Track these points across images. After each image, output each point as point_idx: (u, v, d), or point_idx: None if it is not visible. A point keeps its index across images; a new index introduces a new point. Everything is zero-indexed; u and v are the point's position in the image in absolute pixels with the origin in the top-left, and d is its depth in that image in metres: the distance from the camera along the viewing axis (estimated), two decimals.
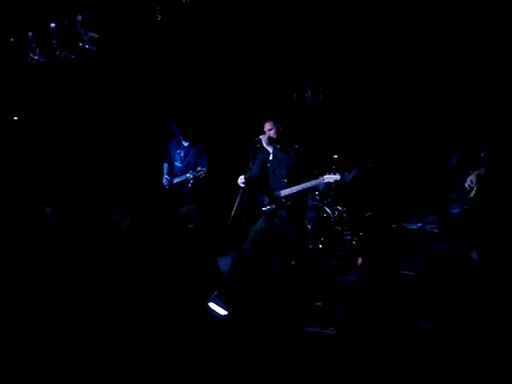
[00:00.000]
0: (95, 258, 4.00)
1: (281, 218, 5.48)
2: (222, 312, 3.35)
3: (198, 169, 6.60)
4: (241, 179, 5.51)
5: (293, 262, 5.47)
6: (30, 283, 3.79)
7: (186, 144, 6.88)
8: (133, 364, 3.21)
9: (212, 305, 3.43)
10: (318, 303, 4.71)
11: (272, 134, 5.52)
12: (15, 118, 8.03)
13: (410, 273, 5.91)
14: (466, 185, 5.20)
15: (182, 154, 6.88)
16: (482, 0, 6.26)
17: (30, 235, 4.35)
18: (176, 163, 6.91)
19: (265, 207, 5.60)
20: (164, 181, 6.91)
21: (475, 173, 5.13)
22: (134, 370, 3.19)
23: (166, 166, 7.02)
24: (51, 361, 3.22)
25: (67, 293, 3.68)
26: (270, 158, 5.59)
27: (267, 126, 5.55)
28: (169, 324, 3.28)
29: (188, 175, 6.65)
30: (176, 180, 6.82)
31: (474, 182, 5.03)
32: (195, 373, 3.11)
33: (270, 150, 5.53)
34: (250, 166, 5.52)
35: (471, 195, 5.09)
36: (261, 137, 5.49)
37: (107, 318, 3.47)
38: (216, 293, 3.47)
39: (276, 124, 5.55)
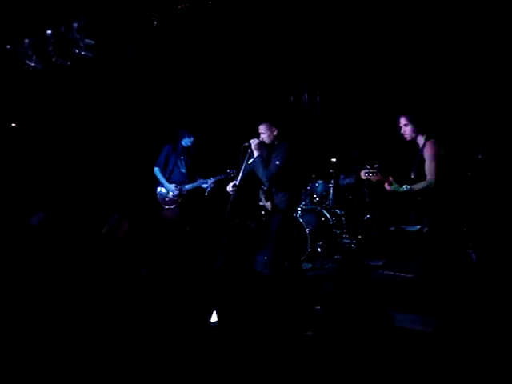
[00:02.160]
0: (92, 264, 4.00)
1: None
2: (213, 319, 3.34)
3: (228, 171, 6.37)
4: (230, 187, 5.40)
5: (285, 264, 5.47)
6: (24, 287, 3.79)
7: (192, 150, 6.74)
8: (132, 370, 3.20)
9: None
10: (317, 307, 4.71)
11: (265, 138, 5.33)
12: (13, 125, 8.04)
13: (409, 275, 5.94)
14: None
15: (187, 160, 6.72)
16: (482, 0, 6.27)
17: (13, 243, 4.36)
18: (181, 170, 6.71)
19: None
20: (174, 190, 6.65)
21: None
22: (133, 375, 3.18)
23: (158, 170, 6.72)
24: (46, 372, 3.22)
25: (63, 298, 3.68)
26: (249, 162, 5.38)
27: (261, 128, 5.36)
28: (168, 330, 3.27)
29: (209, 182, 6.49)
30: (187, 187, 6.67)
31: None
32: (193, 377, 3.11)
33: (255, 154, 5.33)
34: (241, 172, 5.37)
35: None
36: (251, 141, 5.31)
37: (105, 324, 3.46)
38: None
39: (270, 127, 5.33)
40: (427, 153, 4.65)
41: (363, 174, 4.75)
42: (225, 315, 3.24)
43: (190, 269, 4.02)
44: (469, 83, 6.76)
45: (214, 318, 3.44)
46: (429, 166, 4.62)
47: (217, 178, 6.53)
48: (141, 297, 3.58)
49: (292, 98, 8.52)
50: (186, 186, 6.68)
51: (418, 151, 4.79)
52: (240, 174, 5.37)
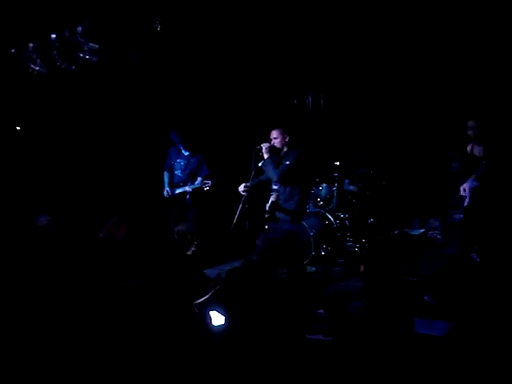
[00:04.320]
0: (89, 266, 4.00)
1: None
2: (220, 320, 3.34)
3: (204, 181, 6.55)
4: (241, 187, 5.48)
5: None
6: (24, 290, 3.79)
7: (186, 153, 6.84)
8: (125, 374, 3.19)
9: (212, 313, 3.42)
10: (321, 310, 4.69)
11: (277, 143, 5.50)
12: (18, 128, 8.06)
13: (413, 279, 5.91)
14: (461, 191, 5.11)
15: (182, 164, 6.81)
16: (483, 1, 6.27)
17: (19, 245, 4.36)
18: (176, 172, 6.85)
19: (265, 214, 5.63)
20: (165, 193, 6.85)
21: (469, 179, 5.03)
22: (127, 379, 3.17)
23: (166, 174, 6.95)
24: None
25: (58, 300, 3.68)
26: (260, 164, 5.55)
27: (273, 133, 5.53)
28: (162, 335, 3.27)
29: (187, 188, 6.62)
30: (178, 191, 6.77)
31: (468, 188, 4.93)
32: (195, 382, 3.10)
33: (265, 156, 5.49)
34: (252, 174, 5.48)
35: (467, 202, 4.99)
36: (262, 145, 5.46)
37: (100, 326, 3.46)
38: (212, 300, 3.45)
39: (283, 133, 5.51)
40: None
41: None
42: (235, 317, 3.24)
43: (186, 271, 4.01)
44: (469, 87, 6.76)
45: (217, 320, 3.43)
46: None
47: (192, 186, 6.63)
48: (134, 303, 3.58)
49: (296, 101, 8.53)
50: (177, 191, 6.78)
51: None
52: (251, 176, 5.46)
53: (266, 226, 5.51)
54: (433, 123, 7.48)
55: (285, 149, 5.54)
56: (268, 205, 5.59)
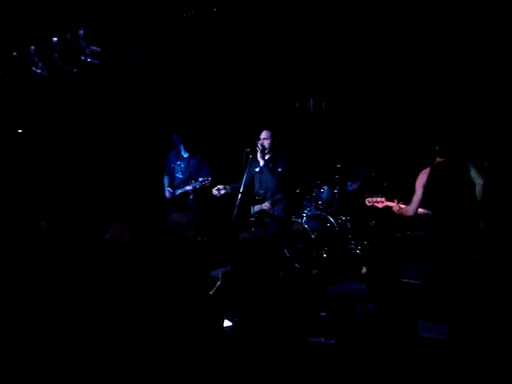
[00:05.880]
0: (95, 272, 3.98)
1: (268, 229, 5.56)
2: (227, 323, 3.34)
3: (201, 179, 6.57)
4: (214, 190, 5.62)
5: (280, 273, 5.51)
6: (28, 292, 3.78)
7: (185, 155, 6.83)
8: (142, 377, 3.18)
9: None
10: (323, 313, 4.69)
11: (266, 144, 5.53)
12: (19, 131, 8.08)
13: (415, 281, 5.90)
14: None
15: (182, 166, 6.81)
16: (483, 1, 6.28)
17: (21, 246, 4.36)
18: (177, 175, 6.84)
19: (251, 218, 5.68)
20: (167, 193, 6.83)
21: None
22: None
23: (166, 178, 6.95)
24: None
25: (67, 304, 3.67)
26: (257, 169, 5.60)
27: (264, 134, 5.56)
28: (179, 335, 3.26)
29: (188, 188, 6.64)
30: (179, 191, 6.78)
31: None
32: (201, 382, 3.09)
33: (261, 162, 5.56)
34: (244, 178, 5.52)
35: None
36: (257, 148, 5.53)
37: (112, 330, 3.45)
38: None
39: (273, 136, 5.55)
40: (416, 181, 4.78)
41: (367, 203, 4.95)
42: (240, 320, 3.23)
43: (199, 275, 4.00)
44: (473, 89, 6.75)
45: (226, 322, 3.43)
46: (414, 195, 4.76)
47: (193, 185, 6.63)
48: (151, 303, 3.56)
49: (297, 104, 8.53)
50: (178, 191, 6.78)
51: None
52: (243, 181, 5.46)
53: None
54: (434, 126, 7.47)
55: (271, 153, 5.58)
56: (255, 209, 5.62)
